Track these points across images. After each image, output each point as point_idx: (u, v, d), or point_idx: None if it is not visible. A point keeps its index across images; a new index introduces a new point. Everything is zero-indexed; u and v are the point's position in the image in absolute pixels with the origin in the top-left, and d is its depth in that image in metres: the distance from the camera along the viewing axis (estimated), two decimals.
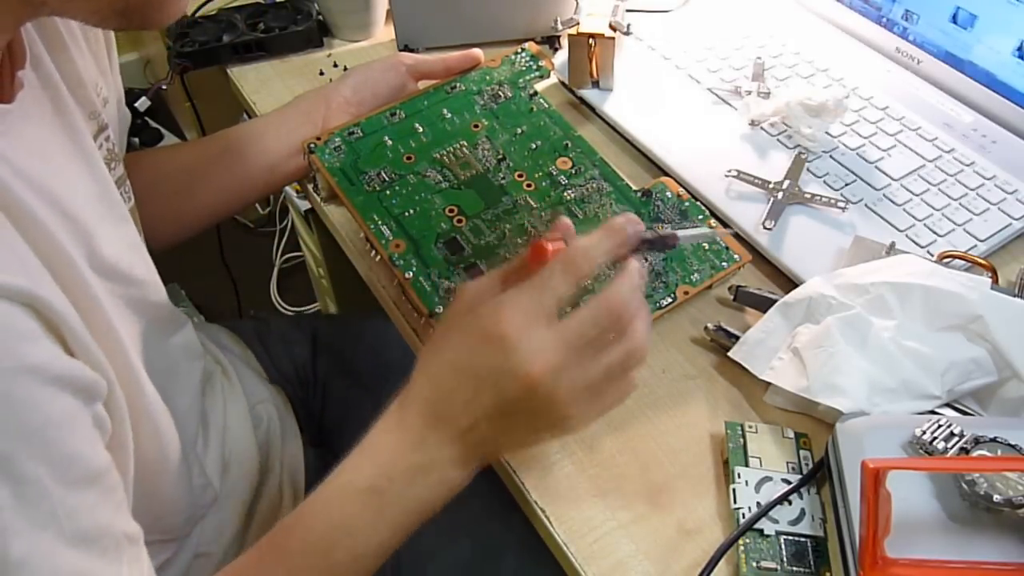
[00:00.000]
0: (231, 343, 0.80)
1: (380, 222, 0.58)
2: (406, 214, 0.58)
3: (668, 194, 0.58)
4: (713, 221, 0.56)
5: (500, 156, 0.61)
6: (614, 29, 0.72)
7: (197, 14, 0.90)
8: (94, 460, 0.40)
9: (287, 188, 1.17)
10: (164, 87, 0.88)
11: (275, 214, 1.73)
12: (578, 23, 0.77)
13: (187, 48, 0.84)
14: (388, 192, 0.60)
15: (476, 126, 0.64)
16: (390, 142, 0.63)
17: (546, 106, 0.64)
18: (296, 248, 1.66)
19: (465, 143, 0.62)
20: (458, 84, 0.67)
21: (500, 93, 0.66)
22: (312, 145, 0.63)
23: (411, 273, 0.56)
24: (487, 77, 0.67)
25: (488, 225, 0.57)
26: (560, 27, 0.80)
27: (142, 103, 0.89)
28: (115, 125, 0.58)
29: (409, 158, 0.61)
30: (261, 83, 0.84)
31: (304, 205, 1.13)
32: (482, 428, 0.44)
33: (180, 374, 0.61)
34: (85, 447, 0.39)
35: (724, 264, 0.56)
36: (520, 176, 0.60)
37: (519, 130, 0.63)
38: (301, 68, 0.85)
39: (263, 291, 1.68)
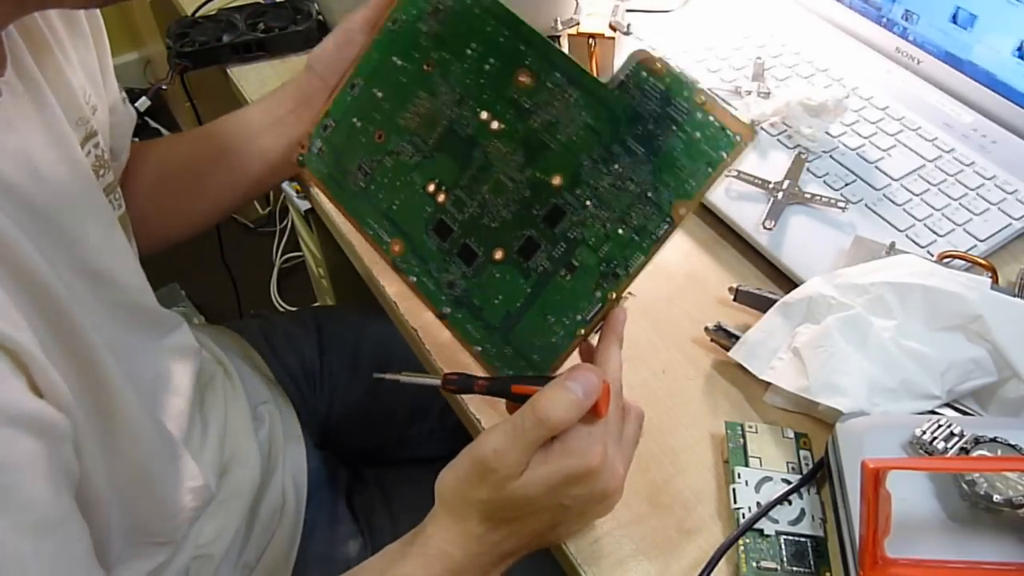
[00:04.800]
0: (234, 343, 0.80)
1: (376, 224, 0.57)
2: (393, 207, 0.56)
3: (644, 75, 0.47)
4: (702, 96, 0.45)
5: (459, 97, 0.55)
6: (614, 29, 0.72)
7: (197, 14, 0.90)
8: (54, 507, 0.39)
9: (287, 188, 1.17)
10: (164, 87, 0.88)
11: (275, 214, 1.73)
12: (578, 23, 0.77)
13: (187, 48, 0.84)
14: (372, 187, 0.57)
15: (428, 65, 0.57)
16: (359, 124, 0.59)
17: (487, 3, 0.55)
18: (296, 248, 1.66)
19: (423, 93, 0.56)
20: (399, 15, 0.59)
21: (440, 7, 0.57)
22: (300, 157, 0.60)
23: (415, 276, 0.54)
24: None
25: (467, 193, 0.54)
26: (560, 27, 0.80)
27: (142, 103, 0.89)
28: (105, 132, 0.58)
29: (379, 136, 0.58)
30: (261, 83, 0.84)
31: (304, 205, 1.13)
32: (535, 543, 0.46)
33: (172, 376, 0.61)
34: (45, 494, 0.39)
35: (723, 153, 0.45)
36: (485, 115, 0.54)
37: (469, 51, 0.55)
38: (301, 68, 0.85)
39: (263, 291, 1.68)
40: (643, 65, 0.48)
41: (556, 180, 0.50)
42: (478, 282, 0.52)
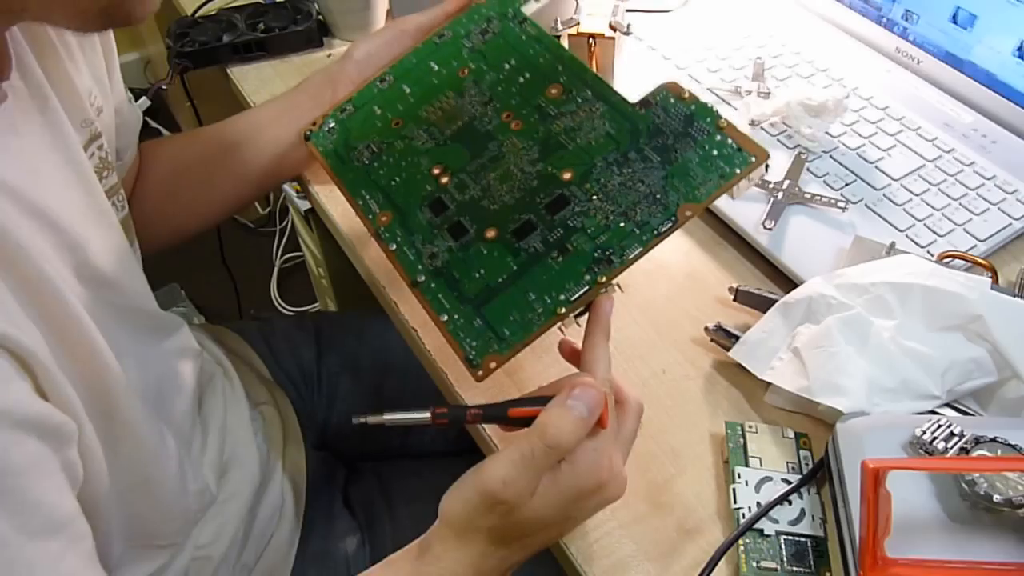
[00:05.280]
0: (234, 344, 0.80)
1: (368, 197, 0.56)
2: (392, 183, 0.56)
3: (671, 100, 0.50)
4: (723, 121, 0.47)
5: (487, 99, 0.57)
6: (614, 29, 0.72)
7: (197, 14, 0.90)
8: (59, 508, 0.39)
9: (287, 188, 1.17)
10: (164, 87, 0.88)
11: (275, 214, 1.73)
12: (578, 23, 0.77)
13: (187, 48, 0.84)
14: (376, 164, 0.58)
15: (463, 72, 0.59)
16: (379, 111, 0.60)
17: (535, 32, 0.59)
18: (296, 248, 1.66)
19: (452, 93, 0.59)
20: (446, 32, 0.62)
21: (489, 30, 0.60)
22: (308, 132, 0.62)
23: (395, 245, 0.53)
24: (475, 16, 0.62)
25: (472, 177, 0.54)
26: (560, 27, 0.80)
27: (142, 103, 0.89)
28: (110, 133, 0.58)
29: (397, 123, 0.59)
30: (261, 83, 0.84)
31: (304, 205, 1.13)
32: (540, 549, 0.45)
33: (176, 378, 0.61)
34: (50, 495, 0.39)
35: (737, 169, 0.46)
36: (507, 116, 0.55)
37: (507, 65, 0.58)
38: (301, 68, 0.85)
39: (263, 291, 1.68)
40: (671, 92, 0.50)
41: (567, 175, 0.50)
42: (463, 256, 0.51)
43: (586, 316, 0.47)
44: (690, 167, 0.48)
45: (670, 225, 0.46)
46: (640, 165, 0.49)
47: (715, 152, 0.48)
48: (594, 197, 0.49)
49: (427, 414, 0.45)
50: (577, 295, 0.46)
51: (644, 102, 0.51)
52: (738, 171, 0.46)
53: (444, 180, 0.54)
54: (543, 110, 0.54)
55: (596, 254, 0.47)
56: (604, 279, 0.46)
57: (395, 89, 0.61)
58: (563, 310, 0.46)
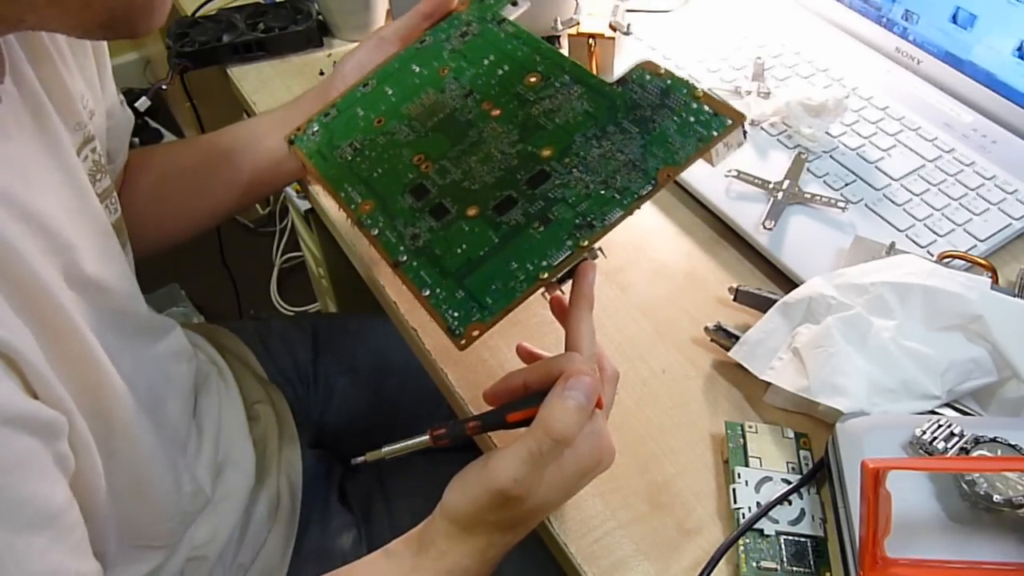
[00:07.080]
0: (230, 343, 0.80)
1: (351, 189, 0.57)
2: (375, 174, 0.57)
3: (647, 76, 0.51)
4: (700, 91, 0.48)
5: (467, 91, 0.58)
6: (614, 29, 0.72)
7: (197, 14, 0.90)
8: (50, 501, 0.40)
9: (287, 188, 1.17)
10: (164, 87, 0.88)
11: (275, 214, 1.73)
12: (578, 23, 0.77)
13: (187, 48, 0.84)
14: (358, 159, 0.58)
15: (444, 71, 0.60)
16: (361, 112, 0.61)
17: (513, 30, 0.60)
18: (296, 248, 1.66)
19: (432, 91, 0.60)
20: (428, 37, 0.64)
21: (468, 32, 0.62)
22: (293, 137, 0.63)
23: (377, 230, 0.54)
24: (455, 22, 0.64)
25: (453, 163, 0.54)
26: (560, 27, 0.80)
27: (142, 103, 0.89)
28: (102, 136, 0.58)
29: (379, 121, 0.60)
30: (261, 83, 0.84)
31: (304, 205, 1.14)
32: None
33: (170, 379, 0.61)
34: (41, 489, 0.39)
35: (713, 132, 0.47)
36: (487, 105, 0.56)
37: (486, 60, 0.59)
38: (301, 68, 0.85)
39: (263, 291, 1.68)
40: (647, 69, 0.51)
41: (546, 152, 0.51)
42: (444, 235, 0.51)
43: (570, 283, 0.47)
44: (668, 134, 0.48)
45: (650, 188, 0.47)
46: (619, 137, 0.49)
47: (692, 119, 0.48)
48: (574, 170, 0.49)
49: (426, 437, 0.45)
50: (559, 259, 0.46)
51: (621, 80, 0.52)
52: (715, 134, 0.47)
53: (425, 167, 0.55)
54: (522, 96, 0.55)
55: (577, 221, 0.47)
56: (586, 243, 0.46)
57: (377, 92, 0.62)
58: (545, 275, 0.46)
